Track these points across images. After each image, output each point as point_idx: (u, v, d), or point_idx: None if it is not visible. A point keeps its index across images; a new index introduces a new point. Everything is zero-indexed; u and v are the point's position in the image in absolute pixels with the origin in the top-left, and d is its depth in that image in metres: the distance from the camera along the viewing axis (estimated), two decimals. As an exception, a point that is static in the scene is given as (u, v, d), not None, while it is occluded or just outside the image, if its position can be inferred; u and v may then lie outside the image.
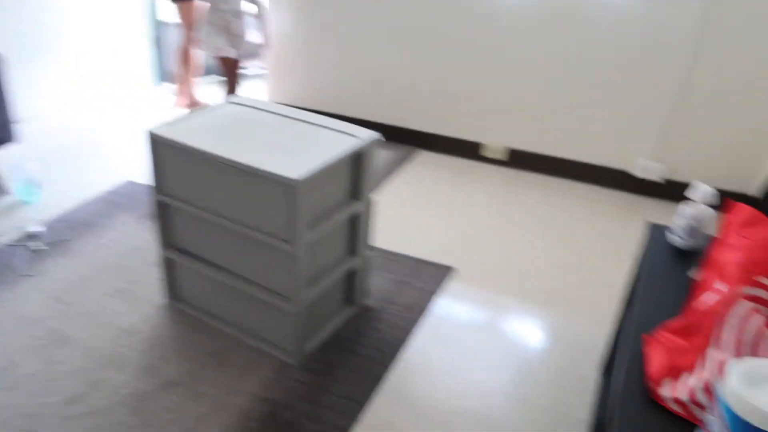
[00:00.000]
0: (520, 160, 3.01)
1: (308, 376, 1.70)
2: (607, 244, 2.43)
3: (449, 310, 2.02)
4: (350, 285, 1.89)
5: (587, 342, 1.90)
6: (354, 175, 1.70)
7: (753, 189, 2.54)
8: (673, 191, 2.74)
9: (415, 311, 1.99)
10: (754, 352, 0.91)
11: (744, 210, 1.12)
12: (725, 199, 1.29)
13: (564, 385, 1.73)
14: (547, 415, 1.63)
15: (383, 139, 1.80)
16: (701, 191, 1.36)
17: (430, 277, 2.16)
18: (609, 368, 1.74)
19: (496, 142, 3.03)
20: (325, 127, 1.74)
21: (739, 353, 0.92)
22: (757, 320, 0.92)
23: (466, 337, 1.90)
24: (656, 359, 1.03)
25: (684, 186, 2.72)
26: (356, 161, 1.69)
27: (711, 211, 1.36)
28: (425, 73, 3.03)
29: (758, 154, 2.54)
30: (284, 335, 1.71)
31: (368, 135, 1.70)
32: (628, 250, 2.38)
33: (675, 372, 0.99)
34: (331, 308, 1.86)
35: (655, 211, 2.69)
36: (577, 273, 2.25)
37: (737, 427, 0.71)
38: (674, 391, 0.96)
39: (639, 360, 1.06)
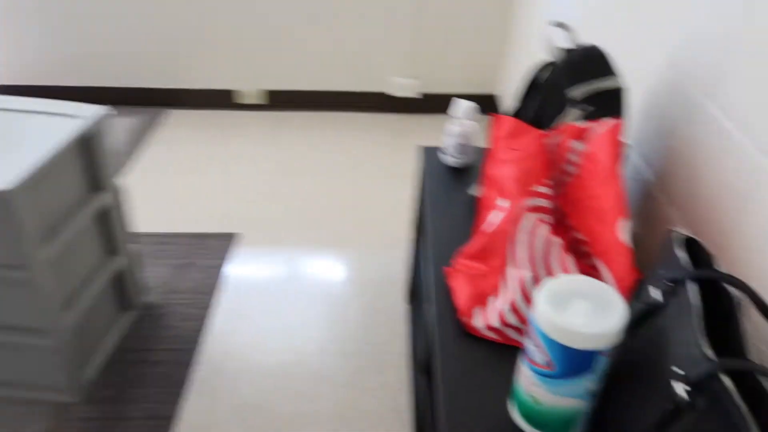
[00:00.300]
0: (278, 100, 2.85)
1: (98, 408, 1.43)
2: (385, 169, 2.44)
3: (243, 280, 1.85)
4: (121, 288, 1.62)
5: (390, 274, 1.90)
6: (88, 163, 1.40)
7: (502, 90, 2.74)
8: (431, 104, 2.84)
9: (207, 293, 1.79)
10: (546, 261, 0.92)
11: (507, 121, 1.12)
12: (490, 112, 1.30)
13: (379, 323, 1.72)
14: (370, 359, 1.60)
15: (115, 111, 1.50)
16: (462, 107, 1.36)
17: (213, 250, 1.96)
18: (414, 296, 1.76)
19: (250, 87, 2.82)
20: (34, 112, 1.38)
21: (534, 267, 0.92)
22: (543, 230, 0.93)
23: (267, 303, 1.77)
24: (461, 290, 1.01)
25: (440, 97, 2.84)
26: (86, 146, 1.38)
27: (475, 125, 1.37)
28: (162, 23, 2.64)
29: (497, 56, 2.72)
30: (53, 373, 1.40)
31: (94, 111, 1.39)
32: (406, 171, 2.42)
33: (482, 299, 0.97)
34: (105, 321, 1.58)
35: (420, 126, 2.77)
36: (364, 205, 2.22)
37: (554, 350, 0.70)
38: (485, 318, 0.94)
39: (446, 293, 1.03)
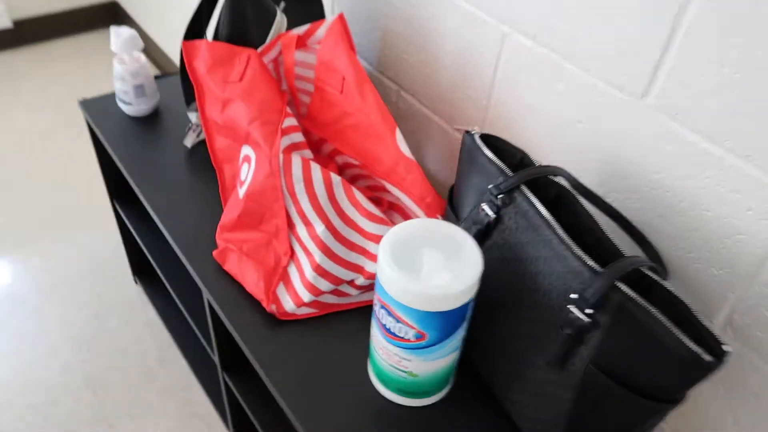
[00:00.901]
0: None
1: None
2: (19, 131, 1.87)
3: None
4: None
5: (107, 256, 1.52)
6: None
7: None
8: (35, 31, 2.22)
9: None
10: (336, 205, 0.78)
11: (204, 47, 0.87)
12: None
13: (119, 324, 1.39)
14: (132, 371, 1.30)
15: None
16: (122, 38, 1.03)
17: None
18: (142, 272, 1.46)
19: None
20: None
21: (324, 217, 0.78)
22: (316, 171, 0.78)
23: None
24: (247, 275, 0.81)
25: (43, 19, 2.22)
26: None
27: (144, 57, 1.06)
28: None
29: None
30: None
31: None
32: (49, 125, 1.89)
33: (279, 274, 0.80)
34: None
35: (35, 62, 2.16)
36: (24, 185, 1.69)
37: (423, 320, 0.60)
38: (295, 298, 0.79)
39: (216, 278, 0.83)
